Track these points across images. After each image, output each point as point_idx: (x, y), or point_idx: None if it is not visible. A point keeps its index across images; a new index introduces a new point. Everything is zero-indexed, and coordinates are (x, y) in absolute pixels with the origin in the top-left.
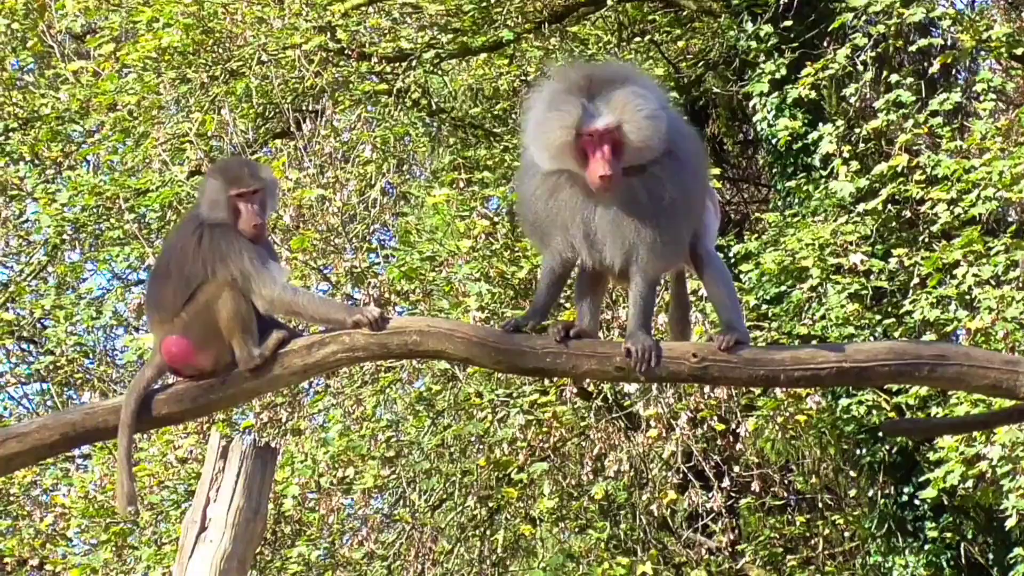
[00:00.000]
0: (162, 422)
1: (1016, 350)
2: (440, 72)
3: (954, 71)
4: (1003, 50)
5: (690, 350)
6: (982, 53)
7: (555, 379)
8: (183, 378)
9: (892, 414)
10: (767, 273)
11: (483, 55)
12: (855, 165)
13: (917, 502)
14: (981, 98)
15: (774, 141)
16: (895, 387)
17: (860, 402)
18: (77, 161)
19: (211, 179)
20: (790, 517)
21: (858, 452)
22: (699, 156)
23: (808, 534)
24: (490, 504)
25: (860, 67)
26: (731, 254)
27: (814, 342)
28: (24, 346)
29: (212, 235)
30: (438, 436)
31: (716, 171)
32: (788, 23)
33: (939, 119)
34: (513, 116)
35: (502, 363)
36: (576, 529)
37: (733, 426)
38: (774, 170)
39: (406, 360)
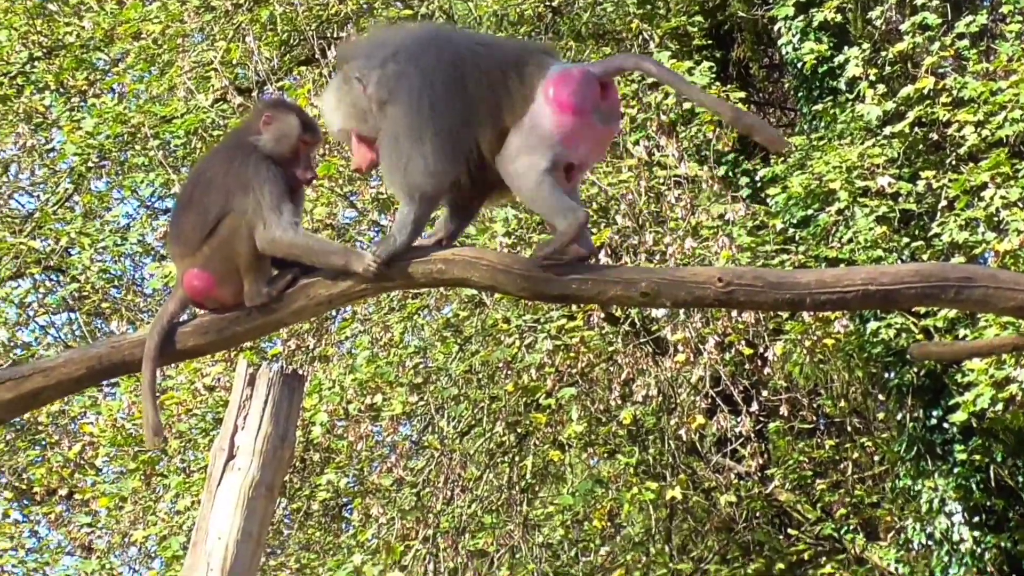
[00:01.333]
0: (187, 354)
1: None
2: None
3: None
4: None
5: (715, 274)
6: None
7: (581, 305)
8: (206, 311)
9: (920, 337)
10: (794, 197)
11: None
12: (881, 88)
13: (946, 425)
14: (1007, 20)
15: (800, 65)
16: (923, 310)
17: (888, 325)
18: (102, 90)
19: (285, 115)
20: (819, 441)
21: (886, 375)
22: (420, 89)
23: (837, 458)
24: (518, 430)
25: None
26: (758, 178)
27: (842, 266)
28: (51, 276)
29: (246, 162)
30: (466, 362)
31: (741, 95)
32: None
33: (965, 41)
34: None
35: (527, 290)
36: (605, 454)
37: (761, 350)
38: (800, 94)
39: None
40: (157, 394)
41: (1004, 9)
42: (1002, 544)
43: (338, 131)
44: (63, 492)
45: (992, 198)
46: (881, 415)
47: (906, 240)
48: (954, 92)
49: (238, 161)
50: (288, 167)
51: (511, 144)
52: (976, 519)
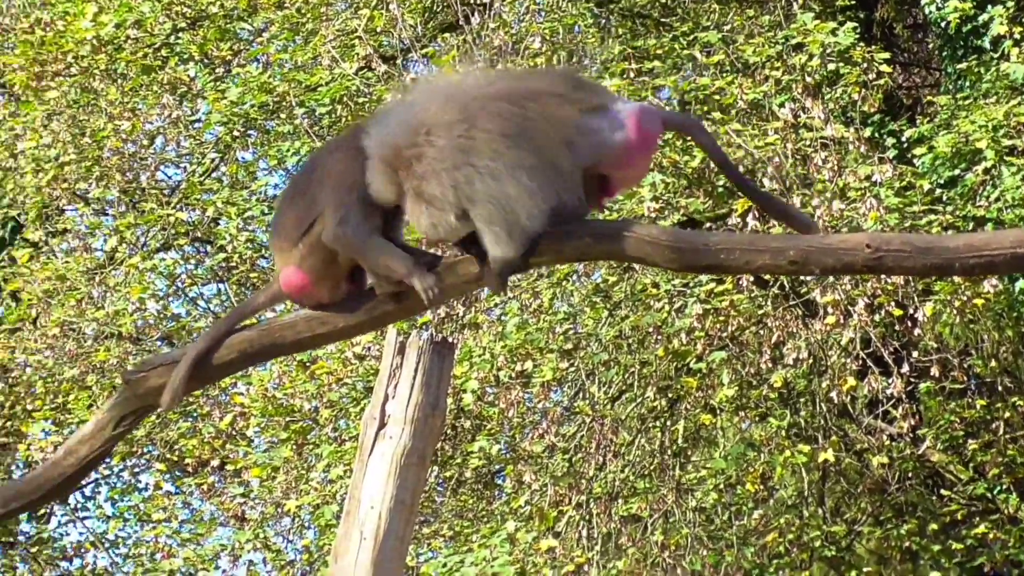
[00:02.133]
0: (341, 335)
1: None
2: None
3: None
4: None
5: (864, 241)
6: None
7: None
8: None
9: None
10: (940, 157)
11: None
12: None
13: None
14: None
15: (943, 24)
16: None
17: None
18: (246, 60)
19: None
20: (970, 401)
21: None
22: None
23: (989, 418)
24: (669, 394)
25: None
26: (904, 139)
27: (989, 227)
28: (200, 247)
29: (344, 159)
30: (615, 327)
31: (886, 55)
32: None
33: None
34: (682, 5)
35: (675, 261)
36: (756, 418)
37: (910, 311)
38: (944, 53)
39: None
40: (307, 362)
41: None
42: None
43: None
44: (215, 463)
45: None
46: None
47: None
48: None
49: (339, 157)
50: None
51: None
52: None
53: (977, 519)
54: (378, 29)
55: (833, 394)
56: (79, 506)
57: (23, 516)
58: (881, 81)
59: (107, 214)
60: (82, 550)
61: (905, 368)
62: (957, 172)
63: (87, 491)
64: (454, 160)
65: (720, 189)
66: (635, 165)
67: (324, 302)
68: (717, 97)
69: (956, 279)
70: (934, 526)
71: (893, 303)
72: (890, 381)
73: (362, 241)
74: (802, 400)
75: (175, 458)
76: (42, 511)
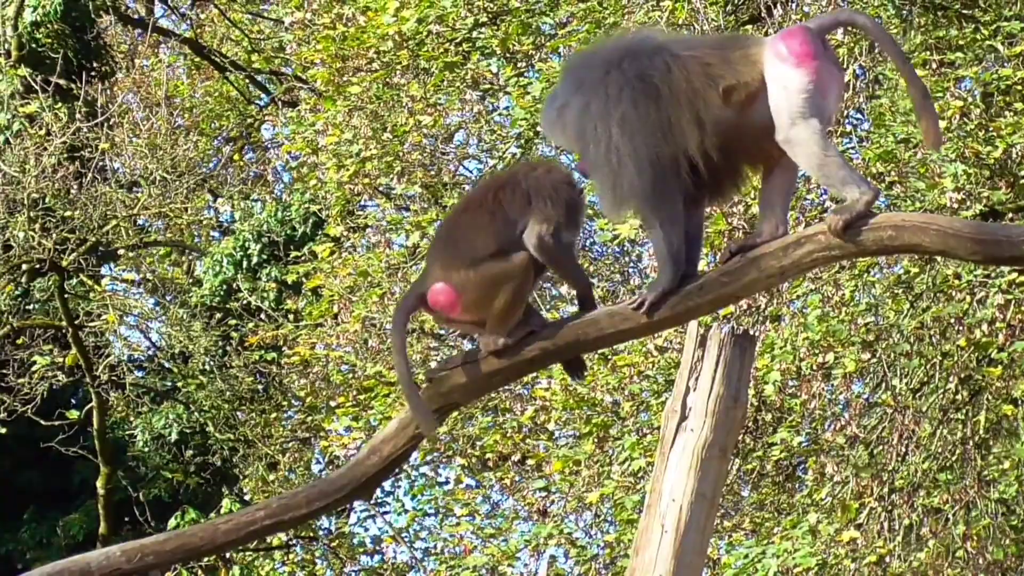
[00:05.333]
0: (644, 331)
1: None
2: None
3: None
4: None
5: None
6: None
7: None
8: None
9: None
10: None
11: None
12: None
13: None
14: None
15: None
16: None
17: None
18: (548, 54)
19: None
20: None
21: None
22: (609, 117)
23: None
24: (971, 385)
25: None
26: None
27: None
28: None
29: (551, 178)
30: (917, 318)
31: None
32: None
33: None
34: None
35: (978, 254)
36: None
37: None
38: None
39: None
40: (608, 355)
41: None
42: None
43: (558, 144)
44: (516, 457)
45: None
46: None
47: None
48: None
49: (542, 178)
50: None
51: (778, 117)
52: None
53: None
54: (680, 22)
55: None
56: (378, 501)
57: None
58: None
59: (408, 209)
60: (381, 545)
61: None
62: None
63: (387, 486)
64: None
65: (1023, 180)
66: (829, 85)
67: (458, 328)
68: (1020, 88)
69: None
70: None
71: None
72: None
73: (566, 254)
74: None
75: (477, 454)
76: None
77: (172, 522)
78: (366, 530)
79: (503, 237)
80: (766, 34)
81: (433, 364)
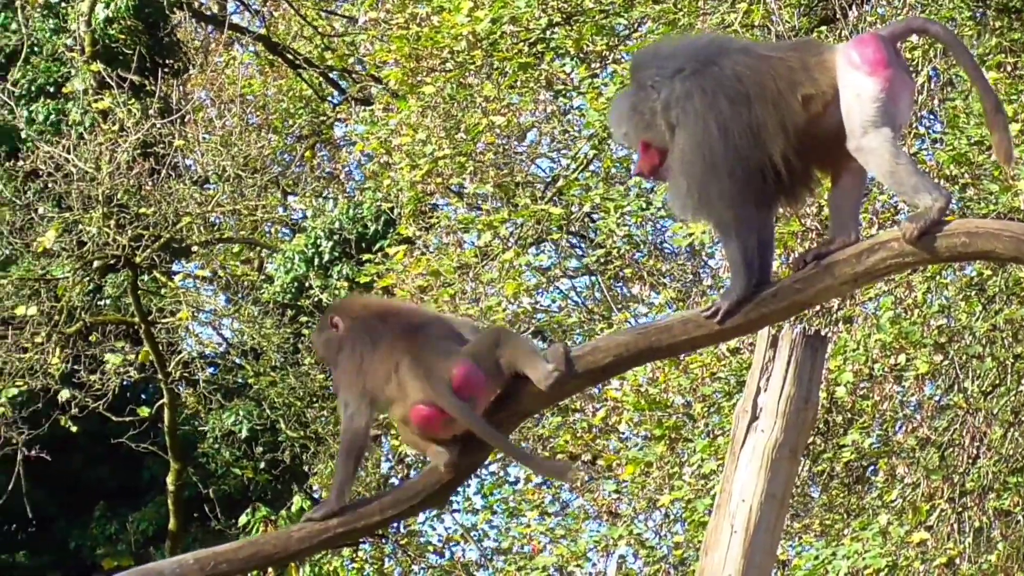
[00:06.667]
0: (717, 338)
1: None
2: None
3: None
4: None
5: None
6: None
7: None
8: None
9: None
10: None
11: None
12: None
13: None
14: None
15: None
16: None
17: None
18: (622, 54)
19: None
20: None
21: None
22: (707, 114)
23: None
24: None
25: None
26: None
27: None
28: (573, 240)
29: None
30: (989, 321)
31: None
32: None
33: None
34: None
35: None
36: None
37: None
38: None
39: None
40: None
41: None
42: None
43: (623, 136)
44: (586, 457)
45: None
46: None
47: None
48: None
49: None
50: None
51: (849, 125)
52: None
53: None
54: (754, 23)
55: None
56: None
57: None
58: None
59: (479, 208)
60: (450, 543)
61: None
62: None
63: None
64: None
65: None
66: (901, 93)
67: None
68: None
69: None
70: None
71: None
72: None
73: None
74: None
75: (547, 454)
76: None
77: (244, 518)
78: (434, 528)
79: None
80: (840, 36)
81: None
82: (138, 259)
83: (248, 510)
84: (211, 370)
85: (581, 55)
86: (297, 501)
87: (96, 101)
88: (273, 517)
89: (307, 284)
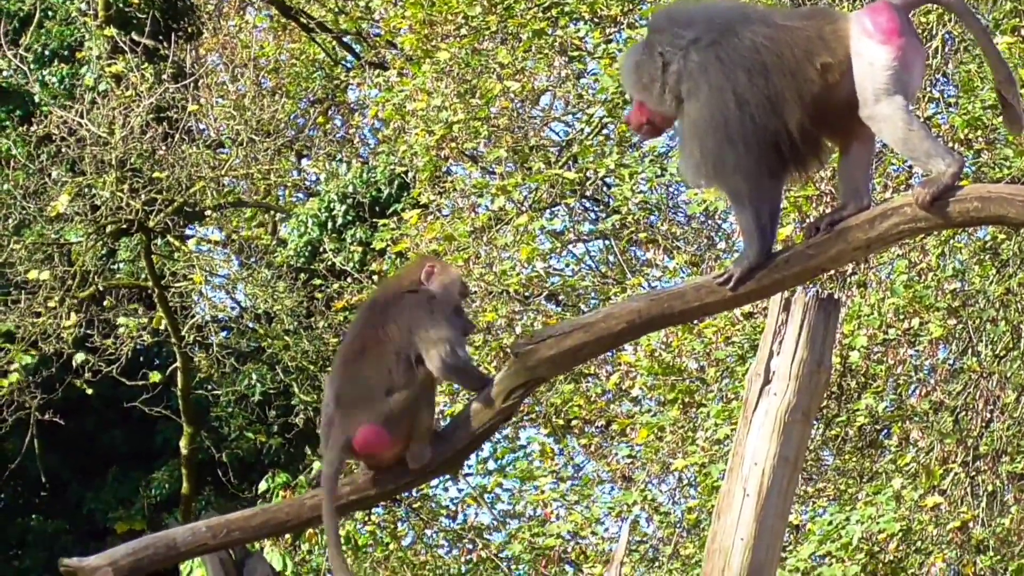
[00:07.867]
0: (729, 304)
1: None
2: None
3: None
4: None
5: None
6: None
7: None
8: (362, 464)
9: None
10: None
11: None
12: None
13: None
14: None
15: None
16: None
17: None
18: (637, 18)
19: (446, 269)
20: None
21: None
22: (723, 86)
23: None
24: None
25: None
26: None
27: None
28: (585, 204)
29: (422, 305)
30: (1003, 284)
31: None
32: None
33: None
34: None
35: None
36: None
37: None
38: None
39: None
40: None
41: None
42: None
43: (627, 92)
44: (600, 423)
45: None
46: None
47: None
48: None
49: (413, 306)
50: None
51: (862, 93)
52: None
53: None
54: None
55: None
56: None
57: None
58: None
59: (493, 173)
60: (464, 506)
61: None
62: None
63: None
64: None
65: None
66: (913, 61)
67: (389, 463)
68: None
69: None
70: None
71: None
72: None
73: (467, 365)
74: None
75: (561, 421)
76: None
77: (263, 485)
78: (446, 491)
79: (404, 364)
80: (854, 3)
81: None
82: (151, 223)
83: (268, 475)
84: (224, 334)
85: (596, 19)
86: (317, 466)
87: (109, 65)
88: (293, 483)
89: (321, 248)
